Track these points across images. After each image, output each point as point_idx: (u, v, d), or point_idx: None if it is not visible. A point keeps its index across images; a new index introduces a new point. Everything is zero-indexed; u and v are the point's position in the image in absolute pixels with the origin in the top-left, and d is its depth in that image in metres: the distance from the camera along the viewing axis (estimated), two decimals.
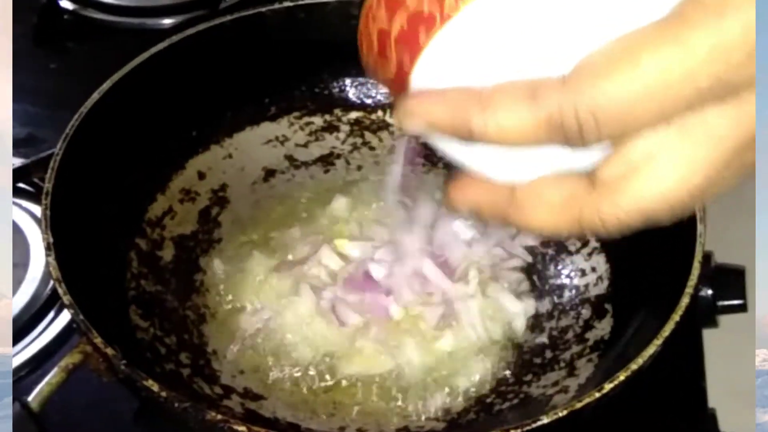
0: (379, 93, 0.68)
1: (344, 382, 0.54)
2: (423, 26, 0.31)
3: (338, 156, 0.68)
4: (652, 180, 0.30)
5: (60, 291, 0.46)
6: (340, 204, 0.63)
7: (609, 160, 0.31)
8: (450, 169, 0.39)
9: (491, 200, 0.34)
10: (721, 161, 0.30)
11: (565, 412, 0.42)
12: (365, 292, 0.56)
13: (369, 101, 0.68)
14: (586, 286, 0.59)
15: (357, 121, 0.68)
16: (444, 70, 0.31)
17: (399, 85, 0.33)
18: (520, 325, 0.57)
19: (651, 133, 0.30)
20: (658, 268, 0.53)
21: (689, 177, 0.30)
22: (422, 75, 0.32)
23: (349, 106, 0.68)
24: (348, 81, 0.68)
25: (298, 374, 0.55)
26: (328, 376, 0.54)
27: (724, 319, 0.60)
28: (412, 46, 0.31)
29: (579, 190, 0.32)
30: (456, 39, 0.30)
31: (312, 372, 0.55)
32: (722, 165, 0.30)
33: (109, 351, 0.44)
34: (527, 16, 0.29)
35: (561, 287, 0.60)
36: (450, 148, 0.34)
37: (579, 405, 0.43)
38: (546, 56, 0.30)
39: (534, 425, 0.42)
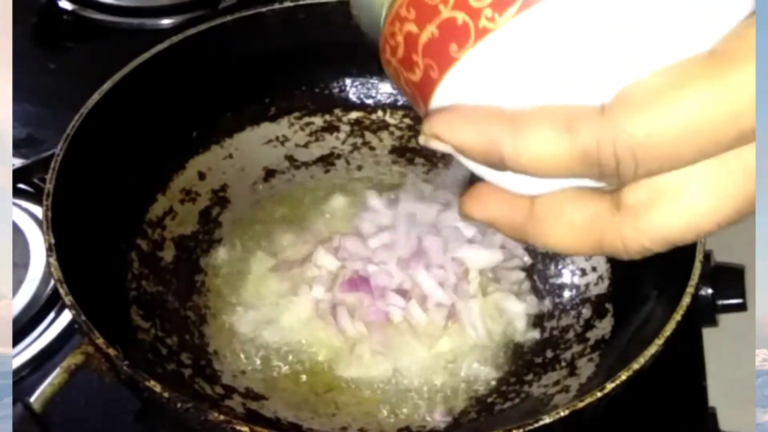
0: (380, 93, 0.68)
1: (344, 384, 0.54)
2: (455, 37, 0.29)
3: (338, 156, 0.68)
4: (680, 209, 0.29)
5: (62, 292, 0.46)
6: (339, 203, 0.63)
7: (636, 183, 0.29)
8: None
9: (508, 214, 0.32)
10: (753, 195, 0.29)
11: (566, 412, 0.42)
12: (364, 295, 0.56)
13: (369, 101, 0.68)
14: (587, 285, 0.59)
15: (357, 121, 0.68)
16: (474, 85, 0.30)
17: (423, 92, 0.31)
18: (521, 324, 0.57)
19: None
20: (659, 268, 0.53)
21: (720, 209, 0.29)
22: (450, 87, 0.30)
23: (349, 106, 0.68)
24: (348, 81, 0.68)
25: (299, 375, 0.55)
26: (328, 379, 0.54)
27: (723, 318, 0.60)
28: (443, 56, 0.29)
29: (602, 212, 0.30)
30: (490, 55, 0.29)
31: (312, 375, 0.55)
32: (753, 198, 0.29)
33: (111, 352, 0.44)
34: (568, 39, 0.28)
35: (561, 287, 0.60)
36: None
37: (581, 405, 0.43)
38: (584, 83, 0.28)
39: (536, 425, 0.42)
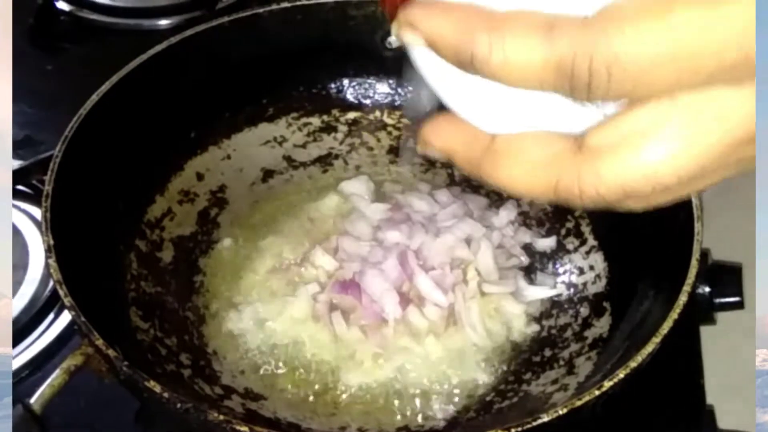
0: (377, 93, 0.68)
1: (343, 386, 0.54)
2: None
3: (336, 156, 0.68)
4: (642, 155, 0.28)
5: (61, 293, 0.47)
6: (337, 203, 0.64)
7: (601, 125, 0.29)
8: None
9: (467, 146, 0.32)
10: (720, 151, 0.28)
11: (565, 410, 0.43)
12: (360, 295, 0.56)
13: (367, 101, 0.68)
14: (585, 284, 0.59)
15: (355, 122, 0.68)
16: None
17: None
18: (519, 324, 0.57)
19: (654, 104, 0.28)
20: (656, 266, 0.53)
21: (682, 161, 0.28)
22: None
23: (346, 106, 0.68)
24: (346, 81, 0.68)
25: (297, 375, 0.55)
26: (327, 379, 0.54)
27: (720, 317, 0.60)
28: None
29: (563, 152, 0.29)
30: None
31: (311, 376, 0.55)
32: (719, 156, 0.28)
33: (111, 352, 0.44)
34: None
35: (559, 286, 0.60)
36: (437, 78, 0.32)
37: (579, 403, 0.43)
38: None
39: (534, 423, 0.42)
